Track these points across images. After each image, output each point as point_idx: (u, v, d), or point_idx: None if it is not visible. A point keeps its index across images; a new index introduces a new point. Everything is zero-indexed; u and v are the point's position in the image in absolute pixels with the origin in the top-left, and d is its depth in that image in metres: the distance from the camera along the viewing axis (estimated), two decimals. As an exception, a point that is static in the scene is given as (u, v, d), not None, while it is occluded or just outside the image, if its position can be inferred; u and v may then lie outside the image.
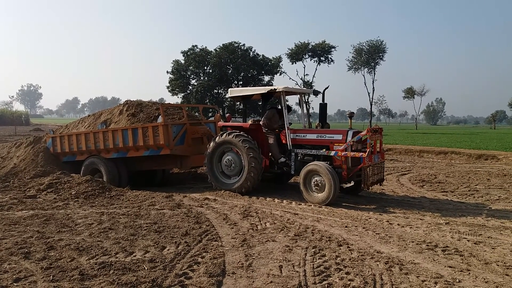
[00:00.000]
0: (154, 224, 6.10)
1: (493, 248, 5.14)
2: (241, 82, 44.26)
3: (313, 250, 5.00)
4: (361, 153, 7.68)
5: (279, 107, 9.55)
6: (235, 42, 44.62)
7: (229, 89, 9.85)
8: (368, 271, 4.31)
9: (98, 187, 8.70)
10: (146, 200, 7.95)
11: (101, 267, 4.29)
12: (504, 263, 4.60)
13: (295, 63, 45.68)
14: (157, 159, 9.96)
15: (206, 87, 43.09)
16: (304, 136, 8.59)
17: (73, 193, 8.35)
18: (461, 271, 4.36)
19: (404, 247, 5.14)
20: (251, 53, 44.93)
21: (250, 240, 5.37)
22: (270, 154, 8.97)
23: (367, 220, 6.57)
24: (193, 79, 46.03)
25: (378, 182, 8.31)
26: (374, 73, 50.51)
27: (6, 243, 5.14)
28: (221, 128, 9.98)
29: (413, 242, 5.35)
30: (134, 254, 4.76)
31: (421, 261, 4.64)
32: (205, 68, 44.95)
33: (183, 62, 44.76)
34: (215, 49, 44.61)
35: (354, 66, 51.01)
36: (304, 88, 35.16)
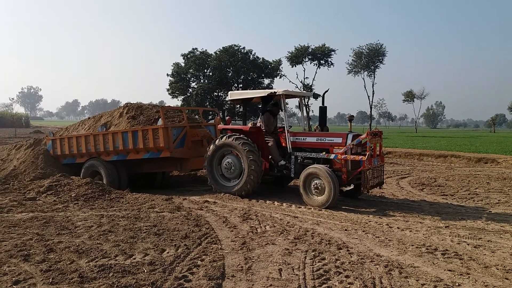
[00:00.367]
0: (154, 226, 6.10)
1: (493, 252, 5.14)
2: (241, 85, 44.33)
3: (313, 253, 4.99)
4: (361, 156, 7.68)
5: (276, 109, 9.56)
6: (235, 45, 44.71)
7: (229, 92, 9.87)
8: (368, 275, 4.31)
9: (98, 189, 8.70)
10: (146, 202, 7.94)
11: (101, 269, 4.29)
12: (504, 266, 4.60)
13: (295, 66, 45.84)
14: (157, 162, 9.96)
15: (206, 90, 43.14)
16: (304, 139, 8.59)
17: (73, 195, 8.35)
18: (460, 274, 4.36)
19: (404, 251, 5.14)
20: (251, 56, 45.01)
21: (250, 243, 5.37)
22: (270, 157, 8.97)
23: (366, 223, 6.56)
24: (193, 82, 46.09)
25: (378, 185, 8.31)
26: (374, 77, 50.69)
27: (5, 245, 5.14)
28: (221, 131, 9.99)
29: (412, 245, 5.35)
30: (133, 257, 4.76)
31: (421, 265, 4.64)
32: (205, 71, 45.01)
33: (183, 65, 44.83)
34: (215, 52, 44.69)
35: (354, 70, 51.18)
36: (304, 91, 35.22)
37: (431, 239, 5.68)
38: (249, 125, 9.19)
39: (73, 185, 8.93)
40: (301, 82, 46.21)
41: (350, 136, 8.00)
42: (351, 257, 4.88)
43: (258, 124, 9.23)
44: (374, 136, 7.97)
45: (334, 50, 45.35)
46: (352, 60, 51.09)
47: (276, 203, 8.14)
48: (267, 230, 6.08)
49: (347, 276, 4.26)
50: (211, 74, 44.49)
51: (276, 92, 8.66)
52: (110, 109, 13.25)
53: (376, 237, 5.75)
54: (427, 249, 5.20)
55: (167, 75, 45.00)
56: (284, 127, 8.84)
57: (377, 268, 4.51)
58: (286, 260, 4.73)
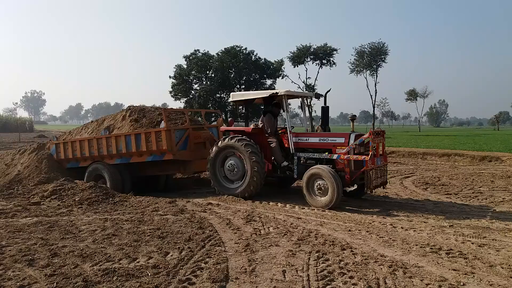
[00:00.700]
0: (158, 229, 6.10)
1: (497, 251, 5.12)
2: (244, 86, 44.31)
3: (317, 254, 4.99)
4: (364, 156, 7.66)
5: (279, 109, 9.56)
6: (237, 46, 44.67)
7: (231, 93, 9.88)
8: (372, 275, 4.29)
9: (101, 193, 8.71)
10: (149, 205, 7.96)
11: (105, 273, 4.30)
12: (509, 265, 4.58)
13: (297, 66, 45.76)
14: (160, 165, 9.97)
15: (208, 91, 43.14)
16: (306, 139, 8.58)
17: (76, 199, 8.37)
18: (465, 274, 4.35)
19: (408, 251, 5.12)
20: (253, 57, 44.96)
21: (253, 245, 5.37)
22: (272, 158, 8.96)
23: (370, 223, 6.55)
24: (195, 84, 46.09)
25: (382, 185, 8.29)
26: (376, 76, 50.55)
27: (10, 250, 5.16)
28: (223, 132, 9.98)
29: (417, 245, 5.33)
30: (137, 260, 4.77)
31: (425, 264, 4.62)
32: (208, 72, 44.99)
33: (185, 66, 44.84)
34: (217, 53, 44.66)
35: (356, 69, 51.05)
36: (306, 92, 35.19)
37: (435, 238, 5.66)
38: (251, 126, 9.19)
39: (77, 189, 8.95)
40: (303, 82, 46.18)
41: (352, 136, 7.99)
42: (355, 257, 4.87)
43: (260, 125, 9.24)
44: (376, 136, 7.96)
45: (336, 50, 45.25)
46: (354, 59, 51.04)
47: (279, 204, 8.13)
48: (270, 231, 6.07)
49: (351, 277, 4.26)
50: (213, 75, 44.48)
51: (278, 93, 8.66)
52: (113, 112, 13.29)
53: (380, 237, 5.73)
54: (431, 248, 5.18)
55: (170, 77, 45.06)
56: (286, 127, 8.84)
57: (381, 268, 4.50)
58: (290, 262, 4.72)
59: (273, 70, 45.78)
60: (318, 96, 9.81)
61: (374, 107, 53.73)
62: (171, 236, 5.78)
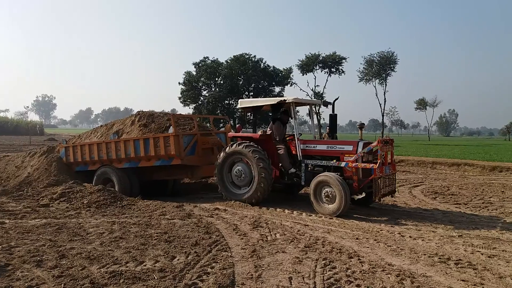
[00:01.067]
0: (165, 233, 6.12)
1: (507, 262, 5.06)
2: (252, 93, 44.42)
3: (323, 262, 4.96)
4: (372, 164, 7.63)
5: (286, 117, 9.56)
6: (246, 53, 44.87)
7: (239, 100, 9.92)
8: (379, 284, 4.26)
9: (109, 196, 8.76)
10: (157, 209, 7.98)
11: (112, 276, 4.32)
12: (519, 277, 4.51)
13: (306, 74, 45.75)
14: (168, 169, 10.02)
15: (217, 98, 43.33)
16: (314, 146, 8.57)
17: (85, 202, 8.43)
18: (474, 285, 4.29)
19: (416, 260, 5.07)
20: (262, 64, 45.12)
21: (260, 251, 5.36)
22: (280, 164, 8.96)
23: (378, 232, 6.50)
24: (204, 90, 46.32)
25: (390, 194, 8.24)
26: (386, 84, 50.34)
27: (19, 251, 5.20)
28: (231, 138, 10.00)
29: (425, 254, 5.28)
30: (144, 264, 4.78)
31: (433, 274, 4.57)
32: (216, 79, 45.20)
33: (194, 73, 45.13)
34: (226, 61, 44.90)
35: (365, 77, 50.89)
36: (314, 99, 35.14)
37: (444, 248, 5.61)
38: (259, 132, 9.21)
39: (86, 192, 9.02)
40: (312, 90, 46.17)
41: (360, 144, 7.96)
42: (362, 266, 4.83)
43: (268, 132, 9.24)
44: (385, 144, 7.93)
45: (345, 58, 45.21)
46: (363, 68, 50.92)
47: (286, 211, 8.11)
48: (277, 238, 6.05)
49: (358, 285, 4.22)
50: (222, 82, 44.68)
51: (285, 100, 8.68)
52: (123, 117, 13.38)
53: (388, 246, 5.69)
54: (439, 258, 5.13)
55: (179, 83, 45.37)
56: (294, 134, 8.83)
57: (389, 277, 4.46)
58: (296, 269, 4.70)
59: (282, 78, 45.87)
60: (326, 104, 9.87)
61: (383, 116, 53.47)
62: (178, 240, 5.79)
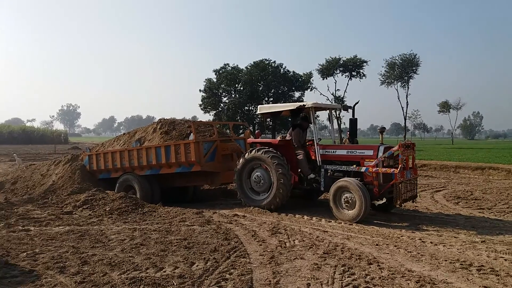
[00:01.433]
0: (184, 240, 6.19)
1: (532, 269, 4.92)
2: (272, 99, 44.52)
3: (342, 268, 4.93)
4: (393, 169, 7.54)
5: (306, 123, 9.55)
6: (265, 59, 45.07)
7: (259, 106, 9.96)
8: (399, 291, 4.20)
9: (131, 203, 8.92)
10: (177, 216, 8.08)
11: (132, 282, 4.40)
12: (545, 284, 4.38)
13: (326, 79, 45.58)
14: (188, 176, 10.13)
15: (237, 104, 43.60)
16: (334, 152, 8.53)
17: (107, 209, 8.60)
18: (497, 292, 4.19)
19: (437, 266, 4.99)
20: (282, 70, 45.21)
21: (278, 257, 5.36)
22: (299, 170, 8.94)
23: (399, 238, 6.42)
24: (224, 97, 46.70)
25: (411, 199, 8.12)
26: (408, 87, 49.61)
27: (43, 257, 5.35)
28: (250, 144, 10.05)
29: (446, 260, 5.19)
30: (164, 270, 4.85)
31: (454, 281, 4.49)
32: (236, 85, 45.51)
33: (215, 80, 45.56)
34: (246, 67, 45.21)
35: (387, 81, 50.30)
36: (333, 104, 34.96)
37: (465, 254, 5.50)
38: (278, 138, 9.22)
39: (108, 199, 9.20)
40: (332, 94, 45.95)
41: (381, 149, 7.88)
42: (382, 272, 4.78)
43: (288, 138, 9.25)
44: (406, 148, 7.82)
45: (366, 61, 44.89)
46: (385, 71, 50.36)
47: (305, 217, 8.09)
48: (296, 244, 6.04)
49: (377, 292, 4.18)
50: (242, 88, 44.94)
51: (305, 105, 8.67)
52: (145, 125, 13.62)
53: (408, 252, 5.61)
54: (461, 264, 5.03)
55: (200, 90, 45.89)
56: (313, 139, 8.81)
57: (408, 283, 4.40)
58: (315, 275, 4.69)
59: (302, 83, 45.82)
60: (346, 108, 9.75)
61: (405, 119, 52.65)
62: (197, 246, 5.85)
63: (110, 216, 8.16)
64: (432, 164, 19.59)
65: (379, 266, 5.00)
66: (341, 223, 7.53)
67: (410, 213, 8.55)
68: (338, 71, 44.96)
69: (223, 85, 45.40)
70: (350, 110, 9.65)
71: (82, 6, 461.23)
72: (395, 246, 5.92)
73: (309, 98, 56.13)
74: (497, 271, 4.80)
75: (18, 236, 6.51)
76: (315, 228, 7.10)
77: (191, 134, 9.88)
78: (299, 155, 8.90)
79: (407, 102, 49.95)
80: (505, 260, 5.23)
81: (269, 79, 43.64)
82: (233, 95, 45.78)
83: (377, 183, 7.72)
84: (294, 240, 6.28)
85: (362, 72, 45.05)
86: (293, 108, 9.01)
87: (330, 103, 39.23)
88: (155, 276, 4.62)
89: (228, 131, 13.50)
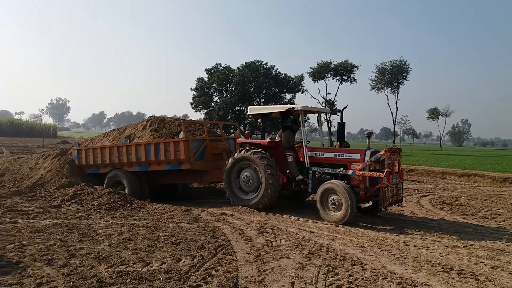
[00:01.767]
0: (172, 236, 6.24)
1: (510, 274, 5.06)
2: (263, 100, 44.67)
3: (327, 268, 5.02)
4: (379, 173, 7.67)
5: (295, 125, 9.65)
6: (257, 60, 45.23)
7: (249, 107, 10.03)
8: (380, 291, 4.31)
9: (119, 199, 8.94)
10: (165, 213, 8.12)
11: (119, 276, 4.45)
12: (521, 288, 4.53)
13: (317, 82, 45.84)
14: (177, 174, 10.16)
15: (228, 104, 43.67)
16: (322, 154, 8.64)
17: (95, 204, 8.61)
18: (475, 294, 4.32)
19: (419, 269, 5.11)
20: (273, 72, 45.40)
21: (264, 256, 5.44)
22: (288, 171, 9.04)
23: (383, 240, 6.54)
24: (216, 96, 46.74)
25: (397, 203, 8.26)
26: (398, 93, 50.14)
27: (30, 249, 5.37)
28: (240, 144, 10.14)
29: (428, 264, 5.31)
30: (150, 265, 4.91)
31: (435, 283, 4.61)
32: (228, 85, 45.59)
33: (206, 79, 45.57)
34: (238, 67, 45.30)
35: (377, 86, 50.78)
36: (322, 107, 35.18)
37: (447, 258, 5.63)
38: (267, 139, 9.31)
39: (96, 194, 9.21)
40: (323, 97, 46.22)
41: (368, 153, 8.01)
42: (365, 273, 4.89)
43: (277, 139, 9.34)
44: (392, 153, 7.97)
45: (357, 66, 45.26)
46: (375, 76, 50.83)
47: (292, 217, 8.18)
48: (282, 244, 6.13)
49: (359, 292, 4.28)
50: (233, 89, 45.03)
51: (294, 108, 8.78)
52: (135, 121, 13.62)
53: (392, 254, 5.73)
54: (442, 268, 5.16)
55: (191, 89, 45.87)
56: (302, 141, 8.92)
57: (390, 285, 4.51)
58: (299, 274, 4.78)
59: (293, 85, 46.03)
60: (335, 112, 9.90)
61: (394, 124, 53.15)
62: (185, 243, 5.91)
63: (98, 210, 8.18)
64: (419, 170, 19.85)
65: (363, 267, 5.11)
66: (328, 224, 7.64)
67: (396, 217, 8.70)
68: (329, 75, 45.26)
69: (214, 85, 45.45)
70: (339, 114, 9.78)
71: (73, 1, 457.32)
72: (379, 248, 6.04)
73: (300, 101, 56.42)
74: (477, 275, 4.93)
75: (5, 227, 6.52)
76: (301, 229, 7.20)
77: (181, 132, 9.93)
78: (289, 156, 9.00)
79: (397, 107, 50.50)
80: (485, 265, 5.37)
81: (261, 80, 43.80)
82: (224, 95, 45.81)
83: (363, 186, 7.85)
84: (280, 239, 6.37)
85: (353, 77, 45.44)
86: (283, 110, 9.11)
87: (320, 106, 39.46)
88: (142, 270, 4.68)
89: (218, 130, 13.54)
